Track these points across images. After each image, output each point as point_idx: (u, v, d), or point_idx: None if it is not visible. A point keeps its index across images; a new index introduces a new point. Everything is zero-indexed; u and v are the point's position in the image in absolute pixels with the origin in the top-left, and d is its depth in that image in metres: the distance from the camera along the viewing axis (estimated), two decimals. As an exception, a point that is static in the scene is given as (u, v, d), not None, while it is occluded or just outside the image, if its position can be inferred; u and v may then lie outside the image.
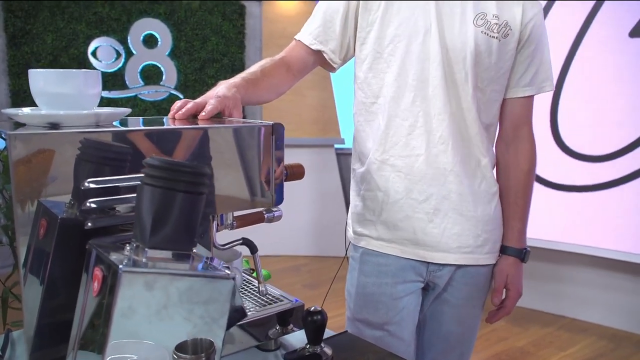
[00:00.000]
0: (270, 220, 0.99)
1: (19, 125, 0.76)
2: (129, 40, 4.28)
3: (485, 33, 1.19)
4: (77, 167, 0.70)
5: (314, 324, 0.87)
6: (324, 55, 1.29)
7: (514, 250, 1.30)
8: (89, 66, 4.19)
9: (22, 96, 4.06)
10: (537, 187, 2.98)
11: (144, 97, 4.37)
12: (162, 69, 4.37)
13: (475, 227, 1.23)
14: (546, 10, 2.81)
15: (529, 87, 1.28)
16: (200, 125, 0.84)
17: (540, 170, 2.97)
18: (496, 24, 1.21)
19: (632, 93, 2.58)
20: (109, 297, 0.54)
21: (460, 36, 1.18)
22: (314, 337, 0.89)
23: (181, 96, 4.38)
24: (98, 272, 0.57)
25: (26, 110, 0.77)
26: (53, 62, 4.08)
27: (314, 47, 1.28)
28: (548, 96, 2.85)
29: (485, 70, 1.20)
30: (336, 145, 4.48)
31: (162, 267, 0.57)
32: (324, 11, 1.29)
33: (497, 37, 1.20)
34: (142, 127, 0.80)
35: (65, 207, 0.71)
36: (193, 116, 0.98)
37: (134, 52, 4.30)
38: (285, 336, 1.00)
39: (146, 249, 0.57)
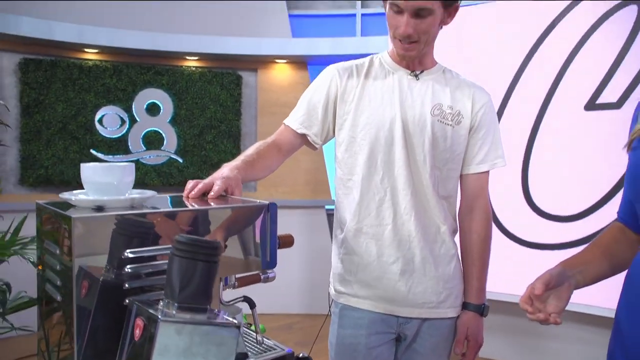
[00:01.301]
0: (266, 280, 1.20)
1: (69, 206, 0.98)
2: (133, 108, 4.57)
3: (440, 121, 1.44)
4: (115, 240, 0.92)
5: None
6: (308, 138, 1.53)
7: (474, 306, 1.49)
8: (96, 132, 4.46)
9: (30, 161, 4.30)
10: (512, 246, 3.22)
11: (145, 162, 4.62)
12: (163, 134, 4.64)
13: (437, 285, 1.45)
14: (512, 86, 3.12)
15: (482, 164, 1.51)
16: (211, 207, 1.06)
17: (514, 230, 3.21)
18: (450, 113, 1.46)
19: (591, 159, 2.84)
20: (150, 341, 0.75)
21: (419, 124, 1.43)
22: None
23: (180, 160, 4.63)
24: (139, 322, 0.78)
25: (80, 196, 0.99)
26: (62, 130, 4.35)
27: (300, 131, 1.53)
28: (519, 162, 3.11)
29: (441, 153, 1.44)
30: (327, 206, 4.71)
31: (188, 318, 0.78)
32: (308, 101, 1.54)
33: (451, 125, 1.45)
34: (167, 209, 1.02)
35: (103, 271, 0.92)
36: (204, 194, 1.20)
37: (137, 119, 4.59)
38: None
39: (175, 304, 0.79)
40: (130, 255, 0.91)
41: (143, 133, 4.61)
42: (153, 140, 4.62)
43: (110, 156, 4.53)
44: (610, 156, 2.69)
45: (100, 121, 4.50)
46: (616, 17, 2.77)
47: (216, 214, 1.03)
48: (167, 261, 0.93)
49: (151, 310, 0.78)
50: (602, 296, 2.90)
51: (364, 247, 1.46)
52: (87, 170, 1.00)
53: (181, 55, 4.62)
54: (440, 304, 1.46)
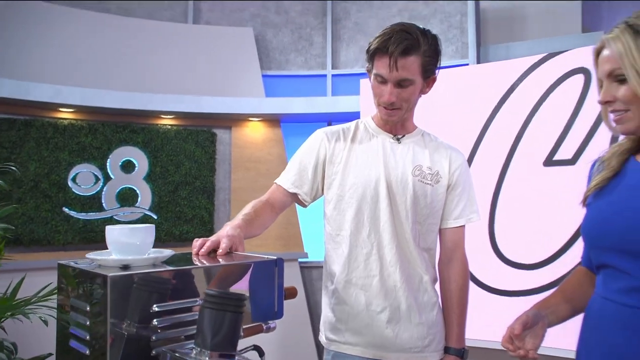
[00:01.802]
0: (267, 330, 1.29)
1: (93, 265, 1.07)
2: (108, 166, 4.62)
3: (421, 181, 1.60)
4: (139, 296, 1.01)
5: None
6: (299, 196, 1.66)
7: (454, 350, 1.61)
8: (69, 191, 4.47)
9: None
10: (481, 293, 3.36)
11: (119, 218, 4.64)
12: (137, 191, 4.69)
13: (422, 331, 1.56)
14: (477, 144, 3.35)
15: (459, 219, 1.66)
16: (230, 262, 1.17)
17: (483, 278, 3.36)
18: (429, 173, 1.62)
19: (550, 211, 3.05)
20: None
21: (402, 184, 1.58)
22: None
23: (155, 216, 4.67)
24: (176, 368, 0.87)
25: (105, 255, 1.09)
26: (34, 188, 4.35)
27: (291, 190, 1.66)
28: (486, 214, 3.30)
29: (422, 209, 1.59)
30: (299, 259, 4.79)
31: (218, 362, 0.88)
32: (299, 162, 1.68)
33: (430, 184, 1.61)
34: (185, 267, 1.12)
35: (127, 325, 1.01)
36: (213, 251, 1.29)
37: (112, 176, 4.63)
38: None
39: (207, 352, 0.88)
40: (157, 309, 1.00)
41: (117, 190, 4.65)
42: (127, 197, 4.66)
43: (84, 214, 4.54)
44: (567, 208, 2.90)
45: (73, 179, 4.52)
46: (567, 82, 3.05)
47: (232, 269, 1.14)
48: (188, 314, 1.03)
49: (189, 357, 0.87)
50: (568, 341, 3.06)
51: (353, 297, 1.57)
52: (113, 232, 1.09)
53: (157, 114, 4.74)
54: (425, 349, 1.57)
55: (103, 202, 4.60)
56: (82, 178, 4.57)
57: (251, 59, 5.02)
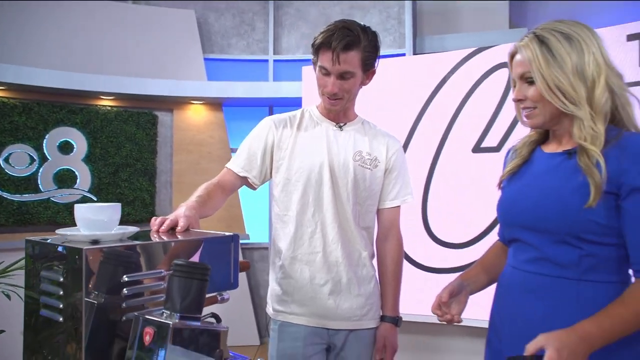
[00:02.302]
0: (222, 301, 1.42)
1: (62, 240, 1.16)
2: (44, 147, 4.52)
3: (361, 166, 1.76)
4: (110, 268, 1.11)
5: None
6: (249, 179, 1.79)
7: (390, 317, 1.80)
8: (1, 171, 4.35)
9: None
10: (414, 271, 3.61)
11: (57, 200, 4.57)
12: (76, 173, 4.62)
13: (360, 301, 1.73)
14: (412, 131, 3.56)
15: (395, 200, 1.84)
16: (192, 238, 1.28)
17: (416, 256, 3.60)
18: (369, 159, 1.78)
19: (477, 194, 3.32)
20: (161, 343, 0.96)
21: (343, 168, 1.74)
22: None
23: (95, 198, 4.64)
24: (149, 330, 0.98)
25: (74, 231, 1.18)
26: (-35, 168, 4.22)
27: (241, 174, 1.78)
28: (420, 197, 3.54)
29: (361, 191, 1.75)
30: (241, 240, 4.90)
31: (187, 324, 1.00)
32: (249, 148, 1.80)
33: (369, 168, 1.77)
34: (153, 242, 1.23)
35: (97, 295, 1.11)
36: (172, 229, 1.40)
37: (48, 157, 4.54)
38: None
39: (177, 315, 1.00)
40: (127, 279, 1.11)
41: (55, 171, 4.57)
42: (65, 179, 4.60)
43: (18, 195, 4.44)
44: (492, 191, 3.16)
45: (6, 160, 4.41)
46: (494, 75, 3.30)
47: (193, 244, 1.26)
48: (155, 283, 1.15)
49: (160, 320, 0.99)
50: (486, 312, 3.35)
51: (299, 272, 1.72)
52: (82, 209, 1.19)
53: (96, 95, 4.68)
54: (363, 317, 1.75)
55: (39, 183, 4.51)
56: (16, 158, 4.45)
57: (193, 42, 5.03)
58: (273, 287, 1.80)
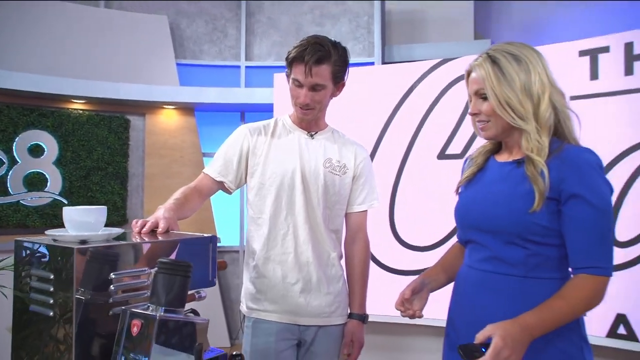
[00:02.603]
0: (199, 299, 1.51)
1: (52, 240, 1.24)
2: (14, 149, 4.51)
3: (330, 172, 1.87)
4: (98, 266, 1.19)
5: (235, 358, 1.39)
6: (225, 184, 1.88)
7: (357, 315, 1.92)
8: (-30, 174, 4.33)
9: None
10: (381, 273, 3.74)
11: (26, 203, 4.56)
12: (47, 176, 4.62)
13: (329, 299, 1.85)
14: (379, 139, 3.70)
15: (362, 205, 1.96)
16: (173, 238, 1.37)
17: (383, 259, 3.74)
18: (338, 165, 1.90)
19: (442, 199, 3.47)
20: (147, 335, 1.05)
21: (314, 174, 1.85)
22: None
23: (65, 201, 4.64)
24: (137, 322, 1.07)
25: (62, 232, 1.26)
26: None
27: (217, 179, 1.88)
28: (387, 202, 3.68)
29: (331, 196, 1.87)
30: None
31: (171, 316, 1.10)
32: (225, 153, 1.90)
33: (338, 175, 1.89)
34: (138, 242, 1.32)
35: (86, 291, 1.19)
36: (152, 230, 1.49)
37: (18, 160, 4.53)
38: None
39: (162, 308, 1.09)
40: (113, 276, 1.20)
41: (25, 174, 4.56)
42: (36, 182, 4.59)
43: (-14, 198, 4.42)
44: (456, 197, 3.33)
45: (-26, 162, 4.38)
46: (458, 86, 3.47)
47: (174, 244, 1.35)
48: (139, 280, 1.24)
49: (147, 312, 1.08)
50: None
51: (271, 272, 1.83)
52: (70, 212, 1.27)
53: (67, 98, 4.68)
54: (331, 314, 1.86)
55: (9, 186, 4.50)
56: (-16, 161, 4.43)
57: (166, 47, 5.08)
58: (247, 286, 1.90)
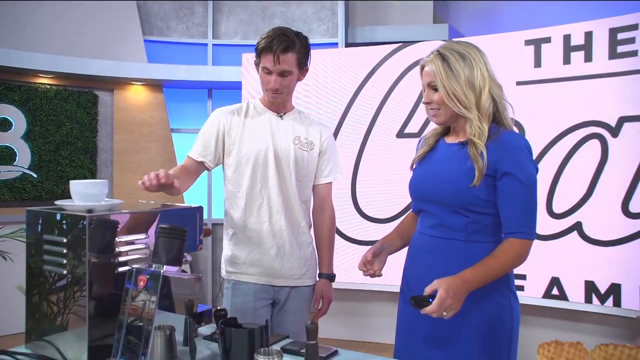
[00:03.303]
0: (185, 262, 1.72)
1: (62, 209, 1.43)
2: (-19, 124, 4.53)
3: (300, 148, 2.09)
4: (105, 231, 1.39)
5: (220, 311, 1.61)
6: (205, 163, 2.08)
7: (325, 274, 2.16)
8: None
9: None
10: (344, 243, 4.01)
11: (-5, 176, 4.61)
12: (15, 150, 4.66)
13: (300, 263, 2.08)
14: (342, 119, 3.93)
15: (328, 177, 2.18)
16: (165, 209, 1.57)
17: (346, 231, 4.00)
18: (305, 142, 2.11)
19: (400, 175, 3.74)
20: (154, 288, 1.26)
21: (285, 151, 2.06)
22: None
23: (35, 175, 4.70)
24: (143, 277, 1.28)
25: (70, 202, 1.44)
26: None
27: (198, 159, 2.07)
28: (349, 177, 3.93)
29: (301, 170, 2.08)
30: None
31: (171, 272, 1.31)
32: (203, 136, 2.08)
33: (306, 151, 2.10)
34: (138, 211, 1.51)
35: (96, 252, 1.38)
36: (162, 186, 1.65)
37: (-14, 135, 4.56)
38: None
39: (163, 266, 1.31)
40: (118, 240, 1.40)
41: (-7, 148, 4.60)
42: (4, 156, 4.62)
43: (-47, 172, 4.45)
44: (410, 172, 3.61)
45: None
46: (416, 69, 3.71)
47: (169, 213, 1.56)
48: (140, 244, 1.44)
49: (152, 269, 1.29)
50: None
51: (249, 239, 2.05)
52: (78, 185, 1.45)
53: (35, 73, 4.71)
54: (302, 276, 2.10)
55: (-24, 160, 4.53)
56: (-50, 136, 4.44)
57: (133, 23, 5.13)
58: (226, 253, 2.11)
